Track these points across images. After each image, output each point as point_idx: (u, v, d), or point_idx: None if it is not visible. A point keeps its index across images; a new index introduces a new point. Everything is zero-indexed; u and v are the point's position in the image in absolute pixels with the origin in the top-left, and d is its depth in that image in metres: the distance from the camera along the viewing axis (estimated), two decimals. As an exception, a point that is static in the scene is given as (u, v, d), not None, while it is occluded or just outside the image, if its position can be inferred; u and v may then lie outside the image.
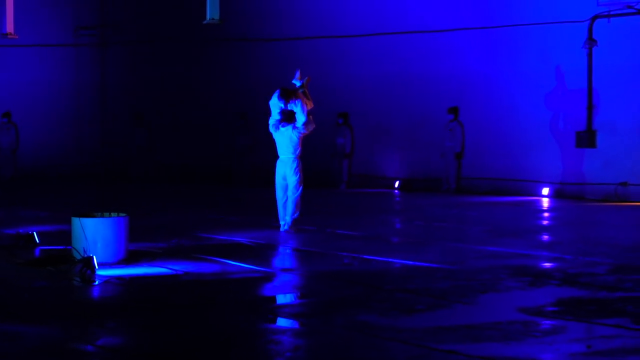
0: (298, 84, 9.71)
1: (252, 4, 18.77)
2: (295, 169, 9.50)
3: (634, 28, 13.95)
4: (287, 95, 9.45)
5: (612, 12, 14.04)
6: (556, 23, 14.67)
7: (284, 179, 9.56)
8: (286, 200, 9.59)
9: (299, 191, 9.51)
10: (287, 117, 9.44)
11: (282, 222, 9.66)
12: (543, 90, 15.21)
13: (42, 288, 6.35)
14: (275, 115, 9.54)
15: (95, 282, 6.45)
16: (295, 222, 9.56)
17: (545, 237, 9.77)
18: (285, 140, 9.51)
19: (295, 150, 9.52)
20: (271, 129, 9.60)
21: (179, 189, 16.71)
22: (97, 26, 20.66)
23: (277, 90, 9.54)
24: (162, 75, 20.22)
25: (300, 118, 9.45)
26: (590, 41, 14.13)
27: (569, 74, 14.75)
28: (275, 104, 9.51)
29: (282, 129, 9.48)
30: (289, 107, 9.43)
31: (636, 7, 13.79)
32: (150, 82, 20.34)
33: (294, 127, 9.48)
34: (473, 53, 15.90)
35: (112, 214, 7.52)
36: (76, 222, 7.25)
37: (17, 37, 16.45)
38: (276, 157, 9.72)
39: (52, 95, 20.40)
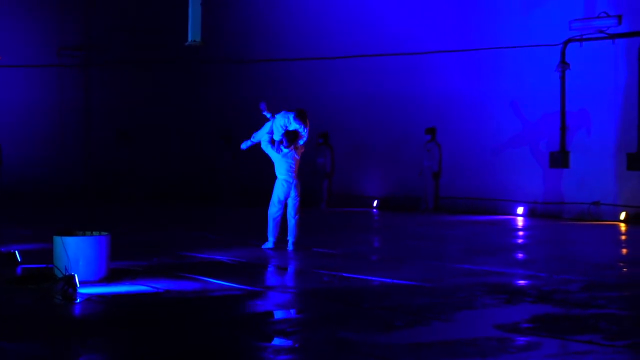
0: (269, 115, 9.72)
1: (234, 26, 18.93)
2: (299, 190, 9.65)
3: (605, 52, 14.30)
4: (304, 116, 9.57)
5: (584, 37, 14.39)
6: (531, 47, 15.00)
7: (286, 198, 9.65)
8: (280, 219, 9.69)
9: (299, 213, 9.67)
10: (292, 139, 9.52)
11: (270, 239, 9.74)
12: (518, 112, 15.49)
13: (24, 306, 6.36)
14: (275, 136, 9.59)
15: (76, 300, 6.46)
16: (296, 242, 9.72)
17: (521, 255, 9.92)
18: (290, 161, 9.59)
19: (297, 170, 9.65)
20: (270, 150, 9.62)
21: (161, 208, 16.69)
22: (80, 47, 20.69)
23: (291, 112, 9.57)
24: (146, 95, 20.27)
25: (303, 139, 9.62)
26: (563, 64, 14.47)
27: (544, 96, 15.05)
28: (282, 125, 9.53)
29: (285, 150, 9.57)
30: (304, 129, 9.55)
31: (607, 31, 14.15)
32: (133, 102, 20.38)
33: (295, 149, 9.61)
34: (451, 75, 16.17)
35: (94, 233, 7.57)
36: (58, 240, 7.28)
37: (1, 57, 16.41)
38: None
39: (36, 115, 20.35)
